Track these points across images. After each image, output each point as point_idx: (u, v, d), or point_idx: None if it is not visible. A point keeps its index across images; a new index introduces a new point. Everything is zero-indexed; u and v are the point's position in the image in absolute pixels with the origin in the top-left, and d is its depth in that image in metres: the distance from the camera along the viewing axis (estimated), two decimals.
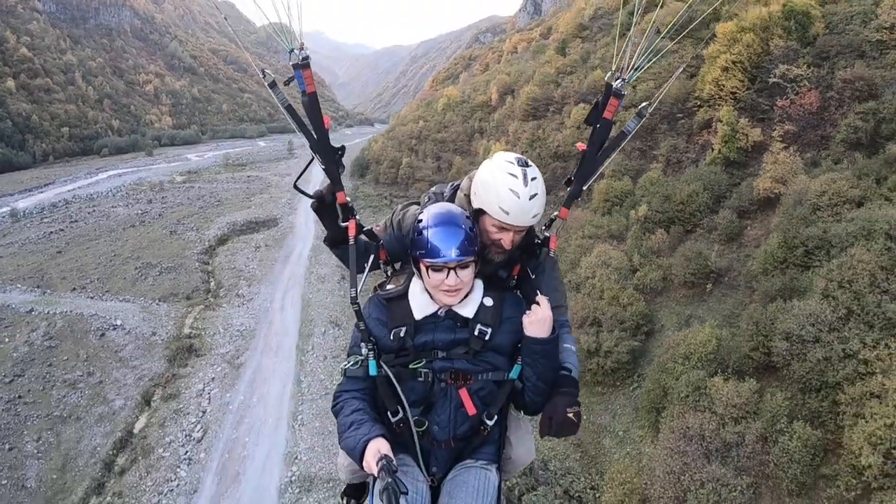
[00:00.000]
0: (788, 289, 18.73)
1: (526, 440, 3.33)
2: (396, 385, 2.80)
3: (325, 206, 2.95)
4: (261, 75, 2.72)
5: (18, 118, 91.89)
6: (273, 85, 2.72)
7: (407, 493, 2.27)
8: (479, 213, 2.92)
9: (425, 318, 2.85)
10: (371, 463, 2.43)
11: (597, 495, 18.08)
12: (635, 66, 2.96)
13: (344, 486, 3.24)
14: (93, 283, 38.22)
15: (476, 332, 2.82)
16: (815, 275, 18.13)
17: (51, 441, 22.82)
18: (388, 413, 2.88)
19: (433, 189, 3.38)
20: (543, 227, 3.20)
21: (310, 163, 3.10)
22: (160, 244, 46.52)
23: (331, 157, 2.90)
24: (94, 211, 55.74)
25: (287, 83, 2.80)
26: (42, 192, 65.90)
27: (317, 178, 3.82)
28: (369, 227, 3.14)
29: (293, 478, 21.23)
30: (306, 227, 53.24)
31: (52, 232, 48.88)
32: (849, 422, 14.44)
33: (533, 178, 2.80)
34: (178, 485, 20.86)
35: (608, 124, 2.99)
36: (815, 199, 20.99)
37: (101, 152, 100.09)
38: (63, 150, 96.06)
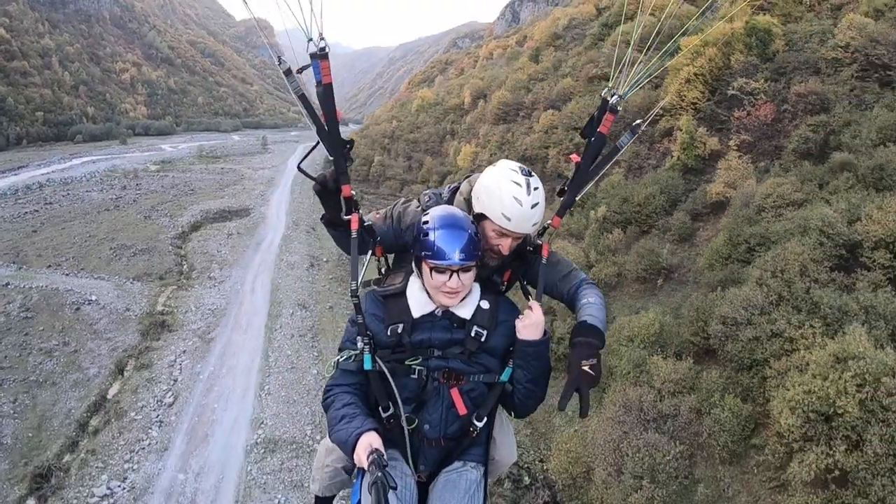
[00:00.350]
0: (729, 280, 20.11)
1: (509, 441, 3.50)
2: (391, 380, 2.87)
3: (328, 191, 2.98)
4: (277, 62, 2.77)
5: None
6: (288, 72, 2.74)
7: (396, 489, 2.36)
8: (479, 218, 3.02)
9: (423, 316, 2.94)
10: (362, 456, 2.49)
11: (544, 466, 19.46)
12: (631, 84, 3.07)
13: (314, 499, 3.39)
14: (68, 261, 38.92)
15: (473, 334, 2.92)
16: (753, 267, 19.59)
17: (27, 403, 23.86)
18: (380, 409, 2.97)
19: (430, 190, 3.47)
20: (536, 235, 3.30)
21: (314, 146, 3.08)
22: (134, 228, 47.19)
23: (340, 150, 2.93)
24: (68, 194, 56.00)
25: (300, 71, 2.82)
26: (16, 175, 65.67)
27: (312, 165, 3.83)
28: (369, 223, 3.17)
29: (259, 440, 22.59)
30: (277, 217, 54.40)
31: (26, 212, 49.06)
32: (774, 393, 15.65)
33: (535, 188, 2.93)
34: (149, 444, 22.09)
35: (603, 138, 3.11)
36: (761, 201, 22.43)
37: (75, 139, 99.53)
38: (37, 135, 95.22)
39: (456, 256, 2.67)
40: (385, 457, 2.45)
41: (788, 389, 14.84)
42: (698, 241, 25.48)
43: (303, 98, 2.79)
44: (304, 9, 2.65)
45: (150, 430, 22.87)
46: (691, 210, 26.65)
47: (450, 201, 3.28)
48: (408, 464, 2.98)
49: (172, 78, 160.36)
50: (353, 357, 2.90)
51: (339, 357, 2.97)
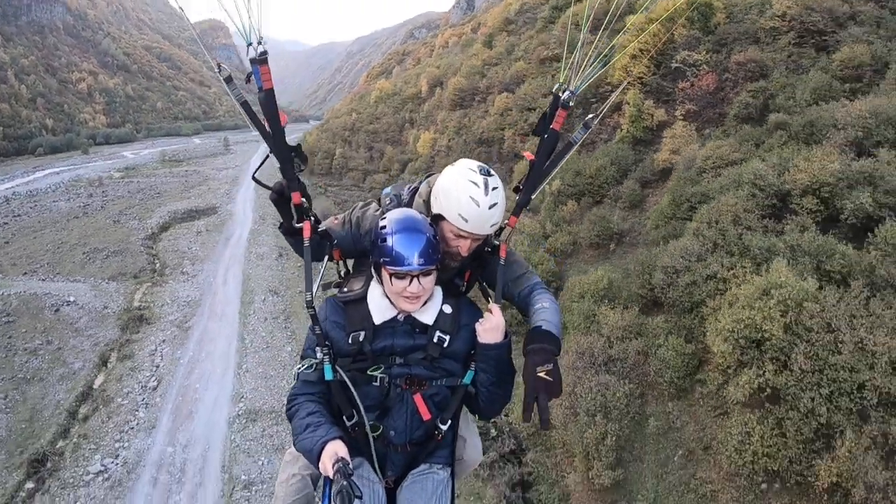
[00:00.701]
0: (672, 236, 21.55)
1: (474, 440, 3.54)
2: (352, 390, 2.85)
3: (284, 198, 2.97)
4: (216, 70, 2.70)
5: None
6: (229, 80, 2.70)
7: (361, 497, 2.35)
8: (437, 219, 2.97)
9: (384, 322, 2.89)
10: (327, 465, 2.48)
11: (509, 419, 20.82)
12: (582, 78, 3.01)
13: None
14: (43, 268, 40.10)
15: (435, 339, 2.89)
16: (692, 221, 21.11)
17: (17, 398, 25.15)
18: (344, 417, 2.93)
19: (391, 190, 3.42)
20: (492, 236, 3.21)
21: (267, 156, 3.00)
22: (105, 232, 48.25)
23: (286, 156, 2.88)
24: (35, 206, 56.59)
25: (248, 80, 2.76)
26: None
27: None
28: (324, 228, 3.14)
29: (240, 412, 24.30)
30: (244, 214, 55.87)
31: None
32: (709, 327, 17.12)
33: (494, 188, 2.89)
34: (137, 424, 23.63)
35: (556, 135, 3.08)
36: (702, 163, 23.85)
37: (36, 152, 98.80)
38: None
39: (415, 261, 2.66)
40: (351, 465, 2.46)
41: (720, 321, 16.36)
42: (647, 207, 26.94)
43: (245, 105, 2.79)
44: (242, 14, 2.63)
45: (137, 412, 24.38)
46: (640, 178, 28.19)
47: (409, 203, 3.24)
48: (374, 470, 2.96)
49: (130, 85, 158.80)
50: (313, 366, 2.89)
51: (300, 367, 2.95)
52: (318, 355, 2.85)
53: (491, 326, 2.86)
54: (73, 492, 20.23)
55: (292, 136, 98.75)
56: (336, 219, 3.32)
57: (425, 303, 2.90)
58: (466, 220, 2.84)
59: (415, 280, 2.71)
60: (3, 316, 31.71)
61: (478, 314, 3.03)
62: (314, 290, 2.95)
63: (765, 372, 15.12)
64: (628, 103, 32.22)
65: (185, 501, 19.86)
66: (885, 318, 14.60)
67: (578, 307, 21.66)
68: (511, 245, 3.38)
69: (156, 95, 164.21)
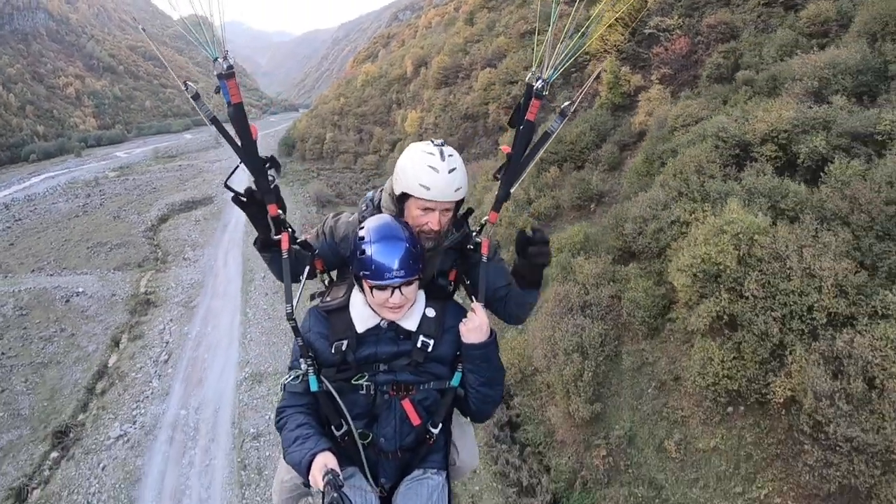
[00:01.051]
0: (643, 191, 22.72)
1: (470, 445, 3.49)
2: (339, 400, 2.85)
3: (255, 203, 2.92)
4: (183, 87, 2.67)
5: None
6: (196, 97, 2.68)
7: None
8: (403, 200, 3.02)
9: (367, 330, 2.90)
10: (317, 477, 2.48)
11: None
12: (555, 66, 2.95)
13: None
14: (49, 264, 41.36)
15: (419, 345, 2.90)
16: (659, 174, 22.37)
17: (37, 381, 26.69)
18: (333, 427, 2.93)
19: (369, 195, 3.41)
20: (474, 233, 3.24)
21: (237, 166, 2.98)
22: (106, 227, 49.45)
23: (260, 168, 2.86)
24: (35, 209, 57.47)
25: (217, 92, 2.73)
26: None
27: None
28: (303, 238, 3.14)
29: (246, 376, 25.98)
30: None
31: None
32: (671, 266, 18.48)
33: (450, 155, 2.91)
34: (151, 393, 25.25)
35: (531, 126, 3.02)
36: (672, 121, 24.92)
37: (30, 158, 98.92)
38: None
39: (395, 273, 2.64)
40: (341, 476, 2.45)
41: (680, 258, 17.77)
42: (625, 168, 28.03)
43: (214, 121, 2.81)
44: (206, 30, 2.67)
45: (150, 383, 26.00)
46: (619, 141, 29.34)
47: (379, 205, 3.25)
48: (367, 479, 2.96)
49: (117, 86, 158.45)
50: (299, 378, 2.89)
51: (286, 378, 2.95)
52: (303, 366, 2.88)
53: (474, 326, 2.90)
54: (95, 455, 21.81)
55: (281, 126, 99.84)
56: (309, 234, 3.36)
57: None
58: (429, 188, 2.88)
59: (396, 291, 2.71)
60: (16, 310, 33.14)
61: (462, 316, 3.05)
62: (294, 302, 2.96)
63: (721, 301, 16.55)
64: (605, 70, 33.13)
65: (199, 455, 21.53)
66: (832, 245, 15.95)
67: (556, 260, 22.90)
68: (492, 240, 3.36)
69: (144, 94, 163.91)
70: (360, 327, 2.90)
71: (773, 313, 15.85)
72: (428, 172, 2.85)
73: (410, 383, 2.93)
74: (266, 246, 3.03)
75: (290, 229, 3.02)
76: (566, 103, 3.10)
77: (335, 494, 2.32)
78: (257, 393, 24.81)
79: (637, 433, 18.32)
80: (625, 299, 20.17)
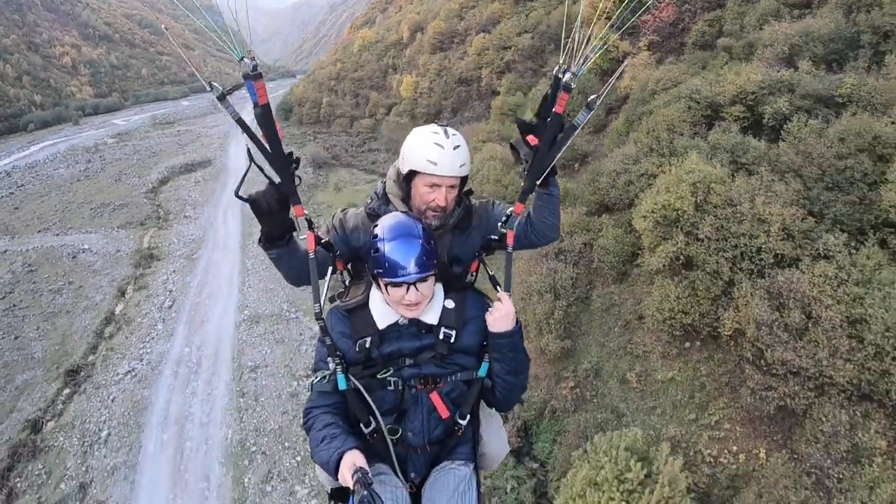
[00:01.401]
0: (619, 148, 24.06)
1: (499, 434, 3.50)
2: (367, 397, 2.84)
3: (266, 206, 2.85)
4: (208, 88, 2.63)
5: None
6: (222, 97, 2.64)
7: None
8: (410, 179, 3.08)
9: (388, 327, 2.90)
10: (346, 476, 2.46)
11: None
12: (584, 59, 2.95)
13: (329, 490, 3.23)
14: (55, 225, 42.75)
15: (441, 336, 2.91)
16: (634, 132, 23.69)
17: (48, 328, 28.37)
18: (361, 424, 2.92)
19: (375, 189, 3.37)
20: (500, 224, 3.22)
21: (247, 170, 2.82)
22: (108, 190, 50.71)
23: (287, 171, 2.83)
24: (37, 175, 58.28)
25: (230, 92, 2.68)
26: None
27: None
28: (326, 240, 3.09)
29: (245, 317, 27.98)
30: (237, 164, 57.89)
31: (2, 196, 51.55)
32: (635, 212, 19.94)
33: (454, 134, 3.02)
34: (156, 335, 27.12)
35: (559, 119, 3.01)
36: (653, 85, 26.19)
37: (28, 128, 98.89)
38: None
39: (410, 270, 2.65)
40: (370, 474, 2.44)
41: (644, 205, 19.27)
42: (609, 130, 29.29)
43: (240, 122, 2.73)
44: (231, 28, 2.64)
45: (156, 326, 27.82)
46: (604, 104, 30.23)
47: (384, 193, 3.26)
48: (396, 475, 2.95)
49: (113, 54, 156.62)
50: (326, 378, 2.88)
51: (313, 379, 2.95)
52: (331, 366, 2.86)
53: (501, 315, 2.91)
54: (105, 390, 23.66)
55: (279, 92, 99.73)
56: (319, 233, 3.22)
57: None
58: (436, 164, 2.93)
59: (412, 288, 2.70)
60: (25, 267, 34.78)
61: (484, 305, 3.06)
62: (322, 300, 2.95)
63: (678, 243, 18.11)
64: (596, 36, 34.04)
65: (201, 386, 23.52)
66: (782, 193, 17.57)
67: None
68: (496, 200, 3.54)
69: (140, 62, 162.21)
70: (381, 324, 2.90)
71: (724, 254, 17.47)
72: (434, 149, 2.94)
73: (437, 376, 2.94)
74: (272, 242, 2.99)
75: (315, 230, 2.99)
76: (592, 97, 3.05)
77: (365, 492, 2.32)
78: (255, 332, 26.82)
79: (603, 367, 19.96)
80: (596, 246, 21.63)
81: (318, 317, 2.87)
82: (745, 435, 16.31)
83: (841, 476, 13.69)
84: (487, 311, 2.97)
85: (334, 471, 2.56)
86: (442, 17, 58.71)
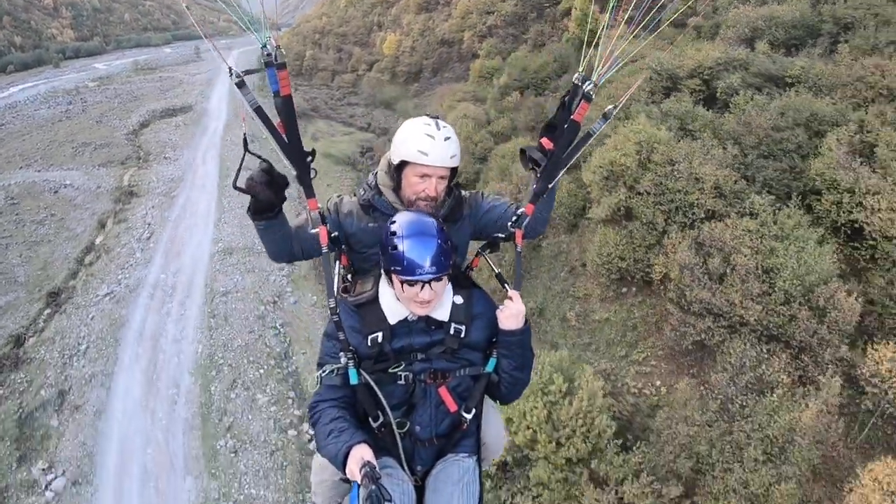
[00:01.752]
0: None
1: (498, 425, 3.59)
2: (378, 391, 2.84)
3: (271, 187, 2.80)
4: (229, 75, 2.56)
5: None
6: (241, 84, 2.54)
7: (391, 501, 2.31)
8: (400, 169, 3.05)
9: (399, 322, 2.88)
10: (354, 470, 2.46)
11: None
12: (606, 69, 3.03)
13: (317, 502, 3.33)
14: (37, 161, 43.62)
15: (452, 331, 2.90)
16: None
17: (31, 255, 29.76)
18: (370, 418, 2.93)
19: (367, 180, 3.35)
20: (510, 224, 3.23)
21: (243, 159, 2.79)
22: (90, 130, 51.42)
23: (303, 163, 2.81)
24: (18, 115, 58.13)
25: (241, 79, 2.54)
26: None
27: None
28: (335, 234, 3.07)
29: (219, 249, 29.76)
30: (219, 110, 59.05)
31: None
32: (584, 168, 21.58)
33: (444, 126, 3.01)
34: (135, 262, 28.76)
35: (576, 126, 3.03)
36: (620, 56, 28.11)
37: (7, 69, 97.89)
38: None
39: (427, 269, 2.61)
40: (378, 469, 2.44)
41: (593, 161, 21.07)
42: None
43: (259, 111, 2.64)
44: (255, 12, 2.68)
45: (134, 255, 29.40)
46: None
47: (376, 184, 3.23)
48: (402, 469, 2.97)
49: None
50: (336, 372, 2.87)
51: (321, 372, 2.93)
52: (343, 360, 2.83)
53: (511, 313, 2.91)
54: (85, 310, 25.23)
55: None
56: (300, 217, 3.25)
57: None
58: (427, 154, 2.92)
59: (426, 286, 2.67)
60: (7, 200, 35.85)
61: (491, 302, 3.06)
62: (336, 296, 2.92)
63: (620, 195, 19.95)
64: (575, 8, 35.60)
65: (175, 308, 25.28)
66: (719, 157, 19.41)
67: (497, 164, 26.54)
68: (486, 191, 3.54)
69: (123, 7, 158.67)
70: (392, 319, 2.88)
71: (661, 207, 19.35)
72: (426, 139, 2.93)
73: (447, 370, 2.94)
74: (260, 211, 2.88)
75: (327, 225, 2.97)
76: (609, 107, 3.10)
77: (373, 487, 2.31)
78: (228, 262, 28.60)
79: (547, 307, 21.92)
80: None
81: (334, 312, 2.84)
82: (668, 371, 18.19)
83: (744, 403, 15.34)
84: (498, 308, 2.98)
85: (342, 465, 2.58)
86: None
